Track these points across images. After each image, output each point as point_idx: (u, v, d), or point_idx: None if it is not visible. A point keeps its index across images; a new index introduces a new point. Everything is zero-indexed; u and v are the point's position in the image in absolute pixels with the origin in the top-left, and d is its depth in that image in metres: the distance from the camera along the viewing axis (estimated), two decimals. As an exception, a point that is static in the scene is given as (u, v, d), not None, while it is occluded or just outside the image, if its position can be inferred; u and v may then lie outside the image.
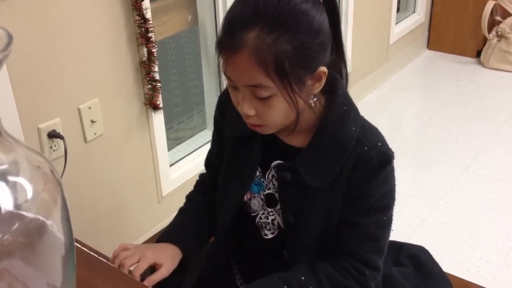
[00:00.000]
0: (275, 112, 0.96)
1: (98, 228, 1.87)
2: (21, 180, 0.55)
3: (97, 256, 1.09)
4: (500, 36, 3.58)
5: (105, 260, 1.10)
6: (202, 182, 1.29)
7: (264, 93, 0.93)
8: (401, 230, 2.23)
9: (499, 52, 3.57)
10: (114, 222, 1.93)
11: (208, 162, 1.27)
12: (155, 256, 1.09)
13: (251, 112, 0.96)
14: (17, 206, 0.53)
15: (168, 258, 1.10)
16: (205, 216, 1.20)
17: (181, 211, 1.23)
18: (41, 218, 0.55)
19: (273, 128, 1.00)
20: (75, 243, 1.14)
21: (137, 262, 1.08)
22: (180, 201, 2.12)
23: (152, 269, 1.09)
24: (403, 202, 2.39)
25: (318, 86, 0.98)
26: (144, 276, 1.07)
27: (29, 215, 0.55)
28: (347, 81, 1.09)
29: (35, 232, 0.55)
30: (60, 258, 0.61)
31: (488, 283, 1.97)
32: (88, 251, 1.10)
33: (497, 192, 2.48)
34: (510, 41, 3.54)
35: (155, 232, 1.61)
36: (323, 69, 0.96)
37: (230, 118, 1.12)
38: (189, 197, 1.27)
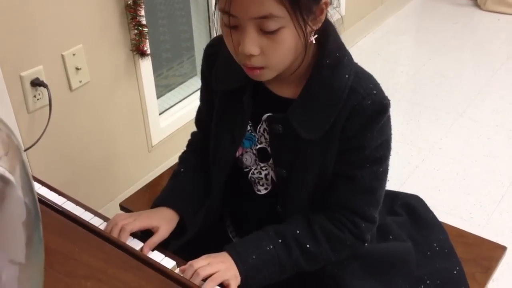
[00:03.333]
0: (283, 48, 0.89)
1: (87, 178, 1.84)
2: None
3: (76, 223, 1.03)
4: (498, -23, 3.48)
5: (88, 218, 1.06)
6: (194, 142, 1.24)
7: (272, 25, 0.86)
8: (394, 177, 2.21)
9: (497, -7, 3.49)
10: (103, 172, 1.90)
11: (198, 119, 1.22)
12: (150, 219, 1.06)
13: (256, 50, 0.88)
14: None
15: (165, 220, 1.07)
16: (199, 177, 1.16)
17: (174, 174, 1.18)
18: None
19: (274, 71, 0.94)
20: (61, 197, 1.11)
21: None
22: (171, 150, 2.10)
23: (150, 232, 1.06)
24: (396, 149, 2.36)
25: (319, 21, 0.93)
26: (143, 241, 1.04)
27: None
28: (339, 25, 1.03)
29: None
30: (23, 233, 0.56)
31: (481, 229, 1.97)
32: (66, 219, 1.04)
33: (492, 138, 2.46)
34: (508, -18, 3.45)
35: (146, 182, 1.58)
36: None
37: (218, 71, 1.07)
38: (182, 158, 1.22)
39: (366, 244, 1.06)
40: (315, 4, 0.89)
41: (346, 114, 0.95)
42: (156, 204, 1.11)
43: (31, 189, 0.55)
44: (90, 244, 0.98)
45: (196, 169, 1.17)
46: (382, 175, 1.03)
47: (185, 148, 1.24)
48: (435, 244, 1.23)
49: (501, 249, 1.28)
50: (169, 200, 1.10)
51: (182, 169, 1.17)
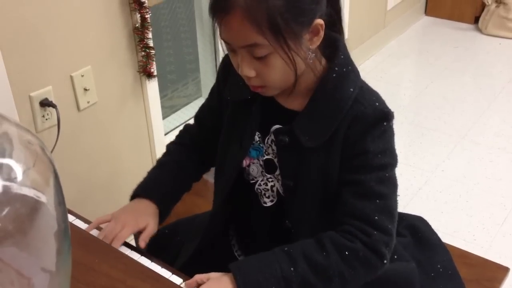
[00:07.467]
0: (274, 71, 0.94)
1: (93, 197, 1.86)
2: (9, 160, 0.52)
3: (95, 235, 1.07)
4: (499, 2, 3.52)
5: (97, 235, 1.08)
6: (186, 135, 1.27)
7: (261, 52, 0.91)
8: (397, 199, 2.22)
9: (497, 18, 3.53)
10: (109, 191, 1.91)
11: (198, 116, 1.26)
12: (137, 223, 1.10)
13: (252, 73, 0.95)
14: (5, 188, 0.50)
15: (150, 217, 1.12)
16: (181, 173, 1.21)
17: (159, 164, 1.23)
18: (32, 200, 0.52)
19: (275, 89, 0.99)
20: (71, 215, 1.13)
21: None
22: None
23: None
24: (399, 171, 2.34)
25: (317, 40, 0.96)
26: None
27: (20, 197, 0.52)
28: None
29: (26, 216, 0.52)
30: (54, 243, 0.58)
31: (484, 251, 1.97)
32: (85, 230, 1.07)
33: (494, 160, 2.47)
34: (509, 7, 3.49)
35: (150, 202, 1.59)
36: (319, 21, 0.93)
37: (231, 82, 1.10)
38: (169, 149, 1.26)
39: (386, 262, 0.99)
40: (304, 29, 0.92)
41: (348, 123, 0.98)
42: (138, 192, 1.16)
43: (62, 201, 0.57)
44: (110, 256, 1.01)
45: (180, 163, 1.22)
46: (388, 182, 1.02)
47: (174, 138, 1.28)
48: (439, 266, 1.23)
49: (504, 270, 1.29)
50: (151, 193, 1.16)
51: (167, 161, 1.23)
